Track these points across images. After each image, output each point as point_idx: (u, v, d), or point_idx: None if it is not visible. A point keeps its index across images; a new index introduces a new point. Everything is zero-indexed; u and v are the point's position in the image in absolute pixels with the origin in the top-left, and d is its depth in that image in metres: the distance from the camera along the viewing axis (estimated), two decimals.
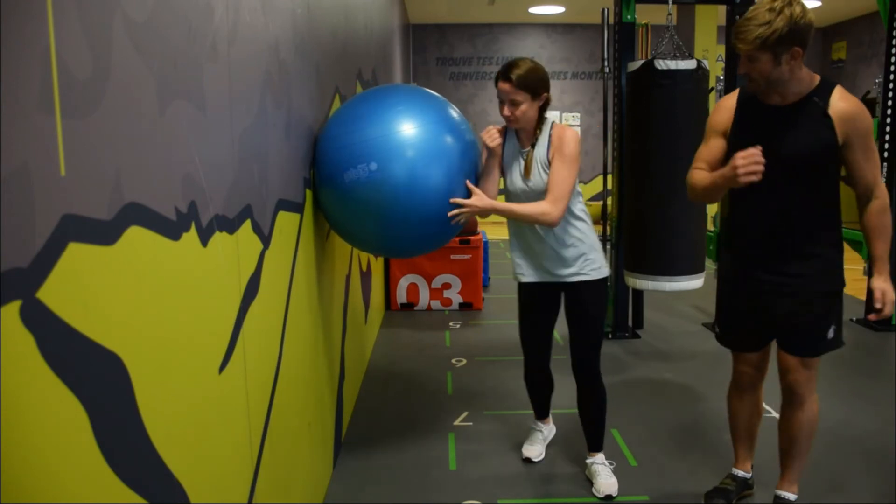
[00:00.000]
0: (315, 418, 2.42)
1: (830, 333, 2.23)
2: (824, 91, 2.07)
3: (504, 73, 2.41)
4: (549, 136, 2.47)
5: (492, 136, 2.50)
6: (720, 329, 2.45)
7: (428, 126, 2.34)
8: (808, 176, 2.10)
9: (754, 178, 1.99)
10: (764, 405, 2.67)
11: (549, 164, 2.44)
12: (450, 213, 2.37)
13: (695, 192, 2.27)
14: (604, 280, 2.56)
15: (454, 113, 2.51)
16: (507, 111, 2.43)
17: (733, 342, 2.41)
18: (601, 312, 2.61)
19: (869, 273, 2.25)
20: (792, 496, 2.37)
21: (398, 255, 2.89)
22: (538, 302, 2.66)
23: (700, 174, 2.23)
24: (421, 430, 3.14)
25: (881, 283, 2.11)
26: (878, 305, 2.10)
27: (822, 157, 2.07)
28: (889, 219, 2.11)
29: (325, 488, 2.60)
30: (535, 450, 2.86)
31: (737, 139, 2.17)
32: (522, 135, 2.51)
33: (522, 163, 2.49)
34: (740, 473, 2.52)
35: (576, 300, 2.56)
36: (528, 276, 2.59)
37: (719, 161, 2.21)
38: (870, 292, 2.16)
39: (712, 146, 2.25)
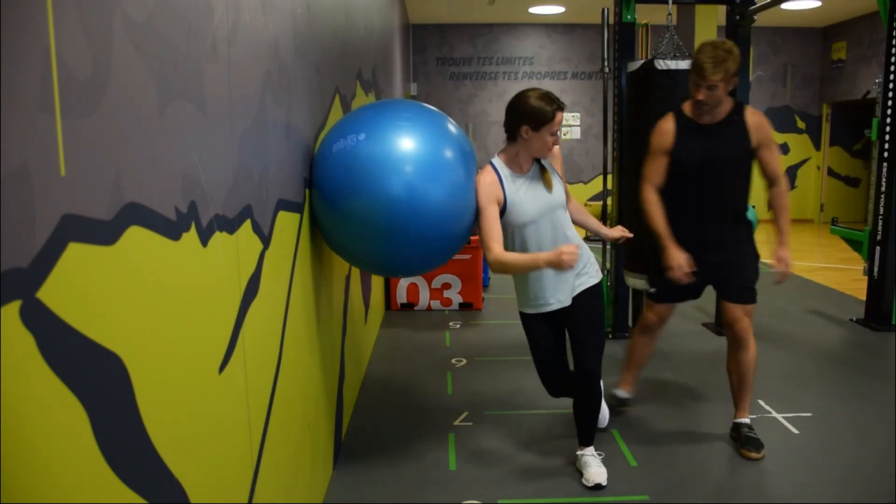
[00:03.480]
0: (315, 418, 2.42)
1: (756, 286, 2.87)
2: (739, 110, 2.78)
3: (560, 104, 2.42)
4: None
5: (573, 260, 2.29)
6: (657, 290, 3.02)
7: (429, 141, 2.31)
8: (737, 171, 2.79)
9: (673, 278, 2.75)
10: (760, 402, 3.23)
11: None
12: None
13: (644, 214, 2.86)
14: (601, 282, 2.65)
15: (453, 128, 2.48)
16: (557, 141, 2.47)
17: (670, 297, 3.01)
18: (603, 314, 2.69)
19: (778, 243, 2.80)
20: (747, 420, 2.95)
21: (397, 273, 2.79)
22: (554, 326, 2.64)
23: (656, 210, 2.83)
24: (421, 430, 3.14)
25: (785, 253, 2.76)
26: (781, 268, 2.75)
27: (745, 156, 2.77)
28: (788, 201, 2.83)
29: (325, 488, 2.60)
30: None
31: (682, 153, 2.79)
32: (522, 162, 2.50)
33: (541, 183, 2.50)
34: (622, 394, 3.25)
35: (585, 306, 2.57)
36: (553, 303, 2.56)
37: (663, 175, 2.84)
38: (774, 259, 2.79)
39: (659, 165, 2.84)
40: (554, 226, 2.50)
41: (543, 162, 2.55)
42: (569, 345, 2.67)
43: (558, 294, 2.54)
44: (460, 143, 2.42)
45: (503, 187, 2.47)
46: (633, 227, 3.99)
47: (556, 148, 2.57)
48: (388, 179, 2.20)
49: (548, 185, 2.50)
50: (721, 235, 2.83)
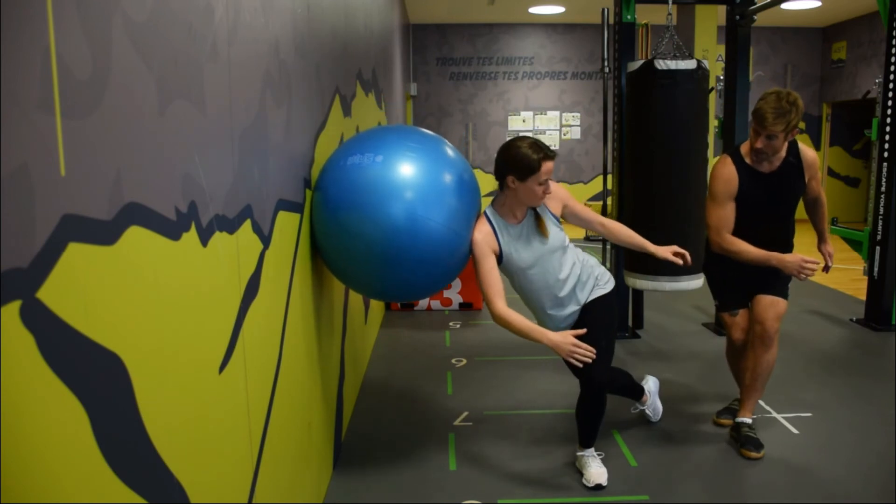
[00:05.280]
0: (315, 418, 2.42)
1: (787, 289, 2.97)
2: (795, 150, 2.86)
3: (549, 153, 2.41)
4: None
5: (573, 351, 2.38)
6: (720, 301, 3.10)
7: (430, 168, 2.32)
8: (793, 207, 2.95)
9: (802, 279, 2.80)
10: (760, 402, 3.24)
11: (559, 217, 2.59)
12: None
13: (734, 256, 2.86)
14: (614, 291, 2.67)
15: (451, 152, 2.48)
16: (547, 190, 2.45)
17: (730, 305, 3.07)
18: (615, 323, 2.72)
19: (821, 242, 3.15)
20: (749, 420, 2.98)
21: (384, 297, 2.71)
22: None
23: (743, 245, 2.82)
24: (421, 430, 3.14)
25: (830, 247, 3.11)
26: (830, 263, 3.06)
27: (801, 193, 2.93)
28: (826, 210, 3.11)
29: (325, 488, 2.60)
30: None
31: (746, 202, 2.85)
32: (517, 211, 2.52)
33: (535, 232, 2.51)
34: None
35: (594, 314, 2.60)
36: (562, 323, 2.62)
37: (733, 219, 2.87)
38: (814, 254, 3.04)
39: (729, 211, 2.86)
40: (552, 269, 2.55)
41: (544, 210, 2.56)
42: None
43: (563, 314, 2.62)
44: (471, 185, 2.45)
45: (498, 238, 2.50)
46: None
47: (557, 187, 2.58)
48: (392, 205, 2.23)
49: (542, 233, 2.50)
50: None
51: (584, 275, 2.61)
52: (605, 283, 2.66)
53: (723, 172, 2.86)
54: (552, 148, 2.47)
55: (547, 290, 2.57)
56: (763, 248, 2.83)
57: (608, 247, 4.64)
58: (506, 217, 2.52)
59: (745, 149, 2.88)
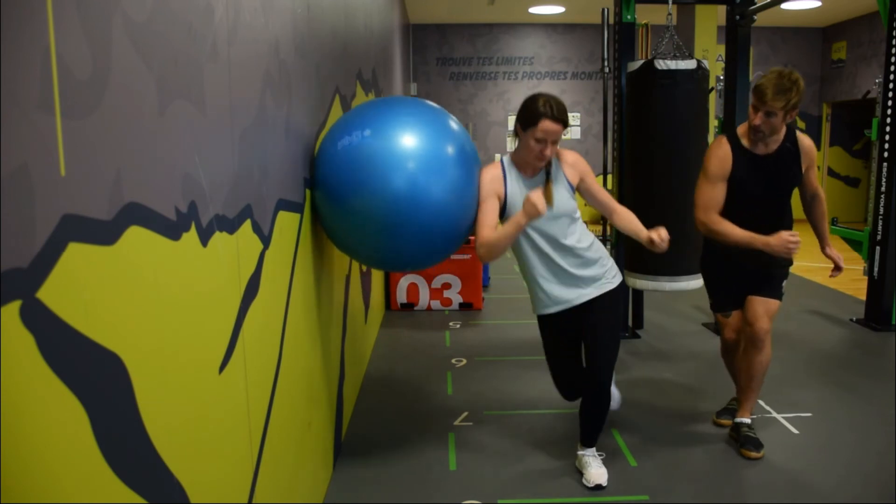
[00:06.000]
0: (315, 418, 2.42)
1: (783, 288, 2.94)
2: (792, 136, 2.79)
3: (554, 115, 2.35)
4: (559, 161, 2.54)
5: (542, 205, 2.29)
6: (713, 300, 3.06)
7: (431, 138, 2.34)
8: (788, 194, 2.86)
9: (790, 256, 2.74)
10: (760, 402, 3.29)
11: (575, 187, 2.53)
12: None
13: (717, 236, 2.80)
14: (621, 287, 2.62)
15: (455, 125, 2.50)
16: (549, 151, 2.40)
17: (724, 305, 3.02)
18: (620, 322, 2.70)
19: (824, 245, 2.99)
20: (748, 420, 2.98)
21: (397, 268, 2.82)
22: (566, 328, 2.63)
23: (729, 226, 2.75)
24: (421, 430, 3.14)
25: (835, 252, 2.95)
26: (841, 265, 2.93)
27: (797, 181, 2.85)
28: (826, 208, 2.98)
29: (325, 488, 2.60)
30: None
31: (740, 185, 2.79)
32: (527, 168, 2.50)
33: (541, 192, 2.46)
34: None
35: (601, 312, 2.55)
36: (560, 303, 2.55)
37: (723, 200, 2.81)
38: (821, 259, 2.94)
39: (719, 191, 2.80)
40: (555, 233, 2.49)
41: (561, 177, 2.52)
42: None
43: (564, 294, 2.54)
44: (461, 141, 2.44)
45: (506, 184, 2.49)
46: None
47: (580, 159, 2.56)
48: (392, 175, 2.25)
49: (547, 199, 2.41)
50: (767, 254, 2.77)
51: (591, 254, 2.53)
52: (613, 276, 2.59)
53: (717, 152, 2.80)
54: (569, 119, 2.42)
55: (546, 258, 2.49)
56: (764, 224, 2.75)
57: (608, 247, 4.64)
58: (520, 168, 2.51)
59: (741, 130, 2.81)
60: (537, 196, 2.28)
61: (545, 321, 2.67)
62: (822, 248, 2.99)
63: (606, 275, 2.58)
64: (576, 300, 2.54)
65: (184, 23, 1.28)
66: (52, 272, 0.87)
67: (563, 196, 2.50)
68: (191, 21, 1.31)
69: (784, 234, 2.61)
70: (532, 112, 2.37)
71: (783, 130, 2.75)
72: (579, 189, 2.59)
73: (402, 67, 8.07)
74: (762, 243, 2.65)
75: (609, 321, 2.58)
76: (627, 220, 2.62)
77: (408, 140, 2.29)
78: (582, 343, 2.65)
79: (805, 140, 2.81)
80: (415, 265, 2.66)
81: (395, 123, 2.32)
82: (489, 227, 2.43)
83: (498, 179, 2.47)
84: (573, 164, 2.56)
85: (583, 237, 2.54)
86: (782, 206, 2.85)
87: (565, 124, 2.38)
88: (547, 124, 2.35)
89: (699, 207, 2.82)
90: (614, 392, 3.06)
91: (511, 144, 10.61)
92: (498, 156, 2.57)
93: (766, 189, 2.79)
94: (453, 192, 2.34)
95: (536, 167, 2.50)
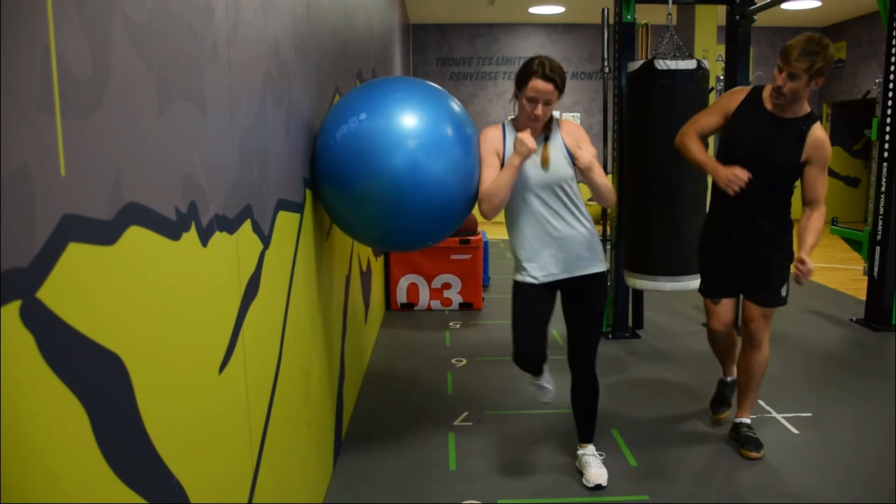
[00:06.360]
0: (315, 418, 2.42)
1: (783, 292, 2.85)
2: (810, 121, 2.69)
3: (545, 74, 2.37)
4: (558, 128, 2.54)
5: (530, 141, 2.36)
6: (703, 286, 3.01)
7: (429, 116, 2.37)
8: (782, 176, 2.73)
9: (730, 192, 2.65)
10: (760, 402, 3.28)
11: (573, 156, 2.46)
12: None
13: (682, 151, 2.87)
14: (605, 272, 2.65)
15: (455, 105, 2.54)
16: (540, 111, 2.41)
17: (714, 292, 2.96)
18: (605, 303, 2.73)
19: (801, 251, 2.66)
20: (748, 420, 2.98)
21: (399, 247, 2.91)
22: (547, 301, 2.57)
23: (697, 145, 2.81)
24: (421, 430, 3.14)
25: (806, 258, 2.60)
26: (804, 269, 2.58)
27: (792, 165, 2.71)
28: (822, 225, 2.75)
29: (325, 488, 2.60)
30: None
31: (735, 129, 2.76)
32: (528, 126, 2.51)
33: (537, 157, 2.47)
34: (729, 378, 3.18)
35: (589, 293, 2.55)
36: (550, 272, 2.50)
37: (710, 131, 2.85)
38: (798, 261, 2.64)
39: (713, 121, 2.82)
40: (549, 194, 2.47)
41: (558, 142, 2.49)
42: (563, 334, 2.67)
43: (554, 264, 2.50)
44: (458, 119, 2.49)
45: (504, 142, 2.53)
46: (636, 230, 4.01)
47: (578, 131, 2.54)
48: (391, 155, 2.28)
49: (543, 164, 2.45)
50: (760, 232, 2.76)
51: (586, 224, 2.51)
52: (600, 260, 2.56)
53: (733, 91, 2.86)
54: (564, 77, 2.42)
55: (540, 223, 2.48)
56: (754, 217, 2.73)
57: (608, 246, 4.64)
58: (520, 130, 2.50)
59: (766, 92, 2.74)
60: (525, 134, 2.37)
61: (527, 290, 2.55)
62: (799, 253, 2.70)
63: (598, 252, 2.56)
64: (565, 272, 2.51)
65: (184, 23, 1.28)
66: (52, 272, 0.87)
67: (559, 160, 2.48)
68: (191, 21, 1.31)
69: (736, 169, 2.62)
70: (525, 70, 2.44)
71: (805, 106, 2.69)
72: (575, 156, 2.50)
73: (402, 67, 8.07)
74: (711, 167, 2.73)
75: (600, 307, 2.61)
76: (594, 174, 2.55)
77: (403, 116, 2.33)
78: (568, 325, 2.63)
79: (818, 132, 2.68)
80: (417, 244, 2.67)
81: (388, 101, 2.36)
82: (490, 181, 2.47)
83: (497, 138, 2.53)
84: (571, 133, 2.54)
85: (580, 208, 2.53)
86: (774, 184, 2.72)
87: (556, 84, 2.38)
88: (538, 83, 2.38)
89: (687, 124, 2.88)
90: (550, 385, 2.87)
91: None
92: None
93: (756, 146, 2.68)
94: (452, 167, 2.38)
95: (534, 129, 2.50)
